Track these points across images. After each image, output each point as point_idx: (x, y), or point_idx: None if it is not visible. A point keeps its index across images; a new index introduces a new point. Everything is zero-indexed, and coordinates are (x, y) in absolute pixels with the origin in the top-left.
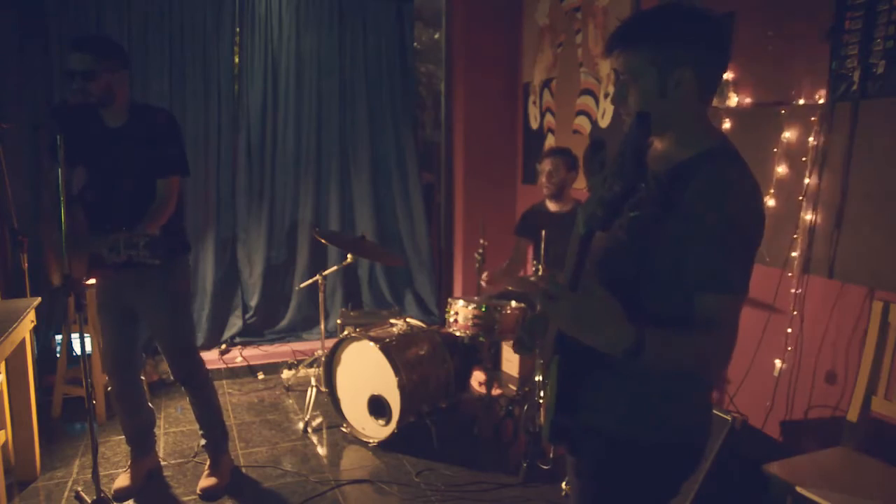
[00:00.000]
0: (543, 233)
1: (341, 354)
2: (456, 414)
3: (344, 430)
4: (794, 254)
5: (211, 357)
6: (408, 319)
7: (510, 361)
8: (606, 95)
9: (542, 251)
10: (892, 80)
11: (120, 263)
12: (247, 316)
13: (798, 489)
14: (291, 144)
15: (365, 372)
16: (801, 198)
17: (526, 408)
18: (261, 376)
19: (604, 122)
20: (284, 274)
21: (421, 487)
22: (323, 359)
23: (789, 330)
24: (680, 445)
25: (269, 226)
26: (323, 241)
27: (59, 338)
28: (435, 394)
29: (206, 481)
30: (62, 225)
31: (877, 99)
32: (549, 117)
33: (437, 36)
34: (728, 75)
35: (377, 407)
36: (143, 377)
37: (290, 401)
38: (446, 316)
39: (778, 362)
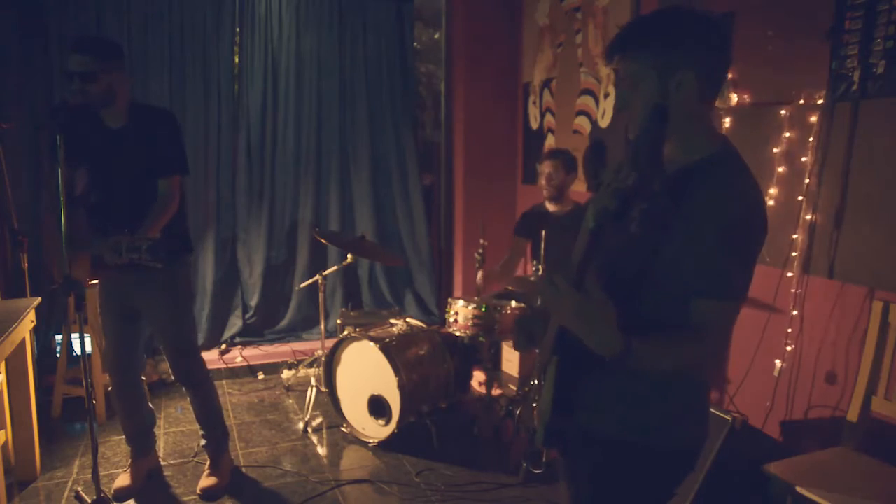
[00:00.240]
0: (543, 233)
1: (341, 354)
2: (456, 414)
3: (344, 430)
4: (794, 254)
5: (211, 357)
6: (408, 319)
7: (510, 361)
8: (606, 95)
9: (542, 251)
10: (892, 80)
11: (122, 265)
12: (247, 316)
13: (798, 489)
14: (291, 144)
15: (365, 372)
16: (801, 198)
17: (519, 410)
18: (261, 376)
19: (604, 122)
20: (284, 274)
21: (421, 487)
22: (323, 359)
23: (789, 330)
24: (677, 449)
25: (269, 226)
26: (323, 241)
27: (59, 338)
28: (435, 394)
29: (206, 481)
30: (62, 225)
31: (877, 99)
32: (549, 117)
33: (437, 36)
34: (728, 75)
35: (377, 407)
36: (143, 377)
37: (290, 401)
38: (446, 316)
39: (778, 362)
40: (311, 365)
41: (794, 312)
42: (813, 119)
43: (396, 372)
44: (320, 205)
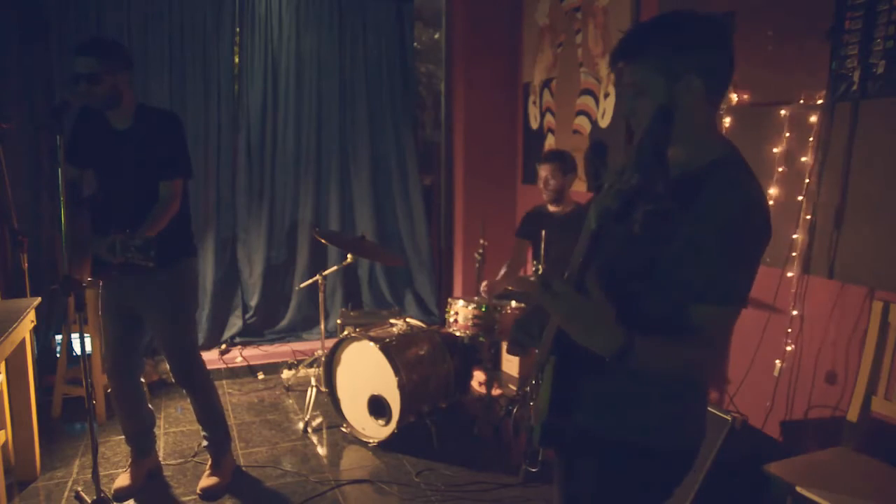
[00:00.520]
0: (543, 233)
1: (341, 354)
2: (456, 414)
3: (344, 430)
4: (794, 254)
5: (211, 357)
6: (408, 319)
7: (510, 361)
8: (606, 95)
9: (543, 251)
10: (892, 80)
11: (119, 265)
12: (247, 316)
13: (798, 489)
14: (291, 144)
15: (365, 372)
16: (801, 198)
17: (515, 409)
18: (261, 376)
19: (604, 122)
20: (284, 274)
21: (421, 487)
22: (323, 359)
23: (789, 330)
24: (675, 449)
25: (269, 226)
26: (323, 241)
27: (59, 338)
28: (435, 394)
29: (206, 481)
30: (62, 226)
31: (877, 99)
32: (549, 117)
33: (437, 36)
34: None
35: (377, 407)
36: (142, 378)
37: (290, 401)
38: (446, 316)
39: (778, 362)
40: (311, 365)
41: (794, 312)
42: (813, 119)
43: (396, 372)
44: (320, 205)
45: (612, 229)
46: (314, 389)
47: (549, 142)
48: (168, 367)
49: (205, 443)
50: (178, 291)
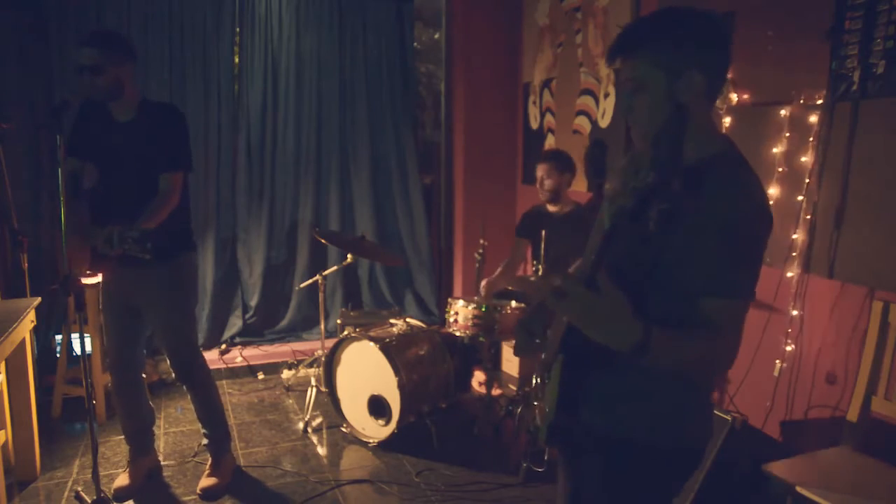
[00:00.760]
0: (543, 233)
1: (341, 354)
2: (456, 414)
3: (344, 430)
4: (794, 254)
5: (211, 357)
6: (408, 319)
7: (510, 361)
8: (606, 95)
9: (542, 251)
10: (892, 80)
11: (117, 258)
12: (247, 316)
13: (798, 489)
14: (291, 144)
15: (365, 372)
16: (801, 198)
17: (520, 409)
18: (261, 376)
19: (604, 122)
20: (284, 274)
21: (421, 487)
22: (323, 359)
23: (789, 330)
24: (683, 447)
25: (269, 226)
26: (323, 241)
27: (59, 338)
28: (435, 394)
29: (206, 481)
30: (62, 224)
31: (877, 99)
32: (549, 117)
33: (437, 36)
34: (728, 75)
35: (377, 407)
36: (143, 375)
37: (290, 401)
38: (446, 316)
39: (778, 362)
40: (311, 365)
41: (794, 312)
42: (813, 119)
43: (396, 372)
44: (320, 205)
45: (626, 228)
46: (314, 389)
47: (550, 142)
48: (169, 365)
49: (205, 441)
50: (178, 285)
